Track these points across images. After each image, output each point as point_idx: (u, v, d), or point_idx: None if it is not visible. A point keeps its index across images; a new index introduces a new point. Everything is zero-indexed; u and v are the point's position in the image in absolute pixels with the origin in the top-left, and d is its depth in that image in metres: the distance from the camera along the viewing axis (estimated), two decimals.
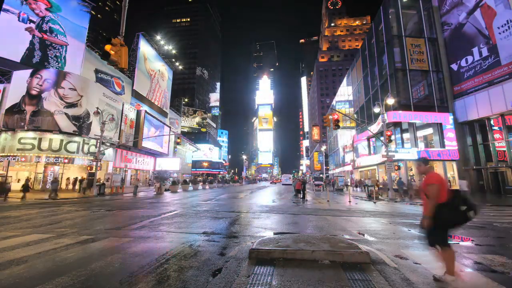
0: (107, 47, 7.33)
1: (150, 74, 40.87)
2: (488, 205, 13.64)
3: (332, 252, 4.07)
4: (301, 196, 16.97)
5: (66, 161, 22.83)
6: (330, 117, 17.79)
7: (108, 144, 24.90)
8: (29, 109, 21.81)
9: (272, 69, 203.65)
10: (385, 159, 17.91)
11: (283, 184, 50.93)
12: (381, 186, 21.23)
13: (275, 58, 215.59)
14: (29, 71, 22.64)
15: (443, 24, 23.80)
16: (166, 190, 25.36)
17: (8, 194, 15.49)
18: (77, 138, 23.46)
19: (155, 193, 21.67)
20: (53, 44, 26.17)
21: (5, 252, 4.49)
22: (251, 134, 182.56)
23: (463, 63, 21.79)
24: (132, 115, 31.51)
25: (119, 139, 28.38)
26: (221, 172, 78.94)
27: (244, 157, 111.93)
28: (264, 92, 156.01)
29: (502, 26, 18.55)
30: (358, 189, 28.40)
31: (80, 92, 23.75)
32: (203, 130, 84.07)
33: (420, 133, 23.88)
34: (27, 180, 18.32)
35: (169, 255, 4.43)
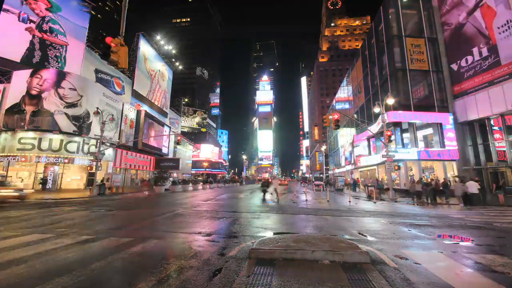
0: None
1: (150, 74, 40.82)
2: (487, 205, 13.64)
3: (332, 252, 4.07)
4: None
5: (66, 161, 22.81)
6: (330, 117, 17.80)
7: (108, 144, 24.86)
8: (29, 109, 21.78)
9: (272, 69, 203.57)
10: (385, 159, 17.92)
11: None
12: (369, 185, 21.38)
13: (275, 58, 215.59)
14: (29, 71, 22.59)
15: (443, 24, 23.78)
16: (166, 190, 25.37)
17: None
18: (77, 138, 23.44)
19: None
20: (53, 44, 26.15)
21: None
22: (251, 134, 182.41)
23: (463, 63, 21.78)
24: (132, 115, 31.48)
25: (119, 139, 28.35)
26: (221, 172, 78.86)
27: (244, 157, 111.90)
28: (264, 92, 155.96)
29: (502, 26, 18.53)
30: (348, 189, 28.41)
31: (80, 92, 23.73)
32: (203, 130, 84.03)
33: (420, 133, 23.86)
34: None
35: (169, 255, 4.43)
